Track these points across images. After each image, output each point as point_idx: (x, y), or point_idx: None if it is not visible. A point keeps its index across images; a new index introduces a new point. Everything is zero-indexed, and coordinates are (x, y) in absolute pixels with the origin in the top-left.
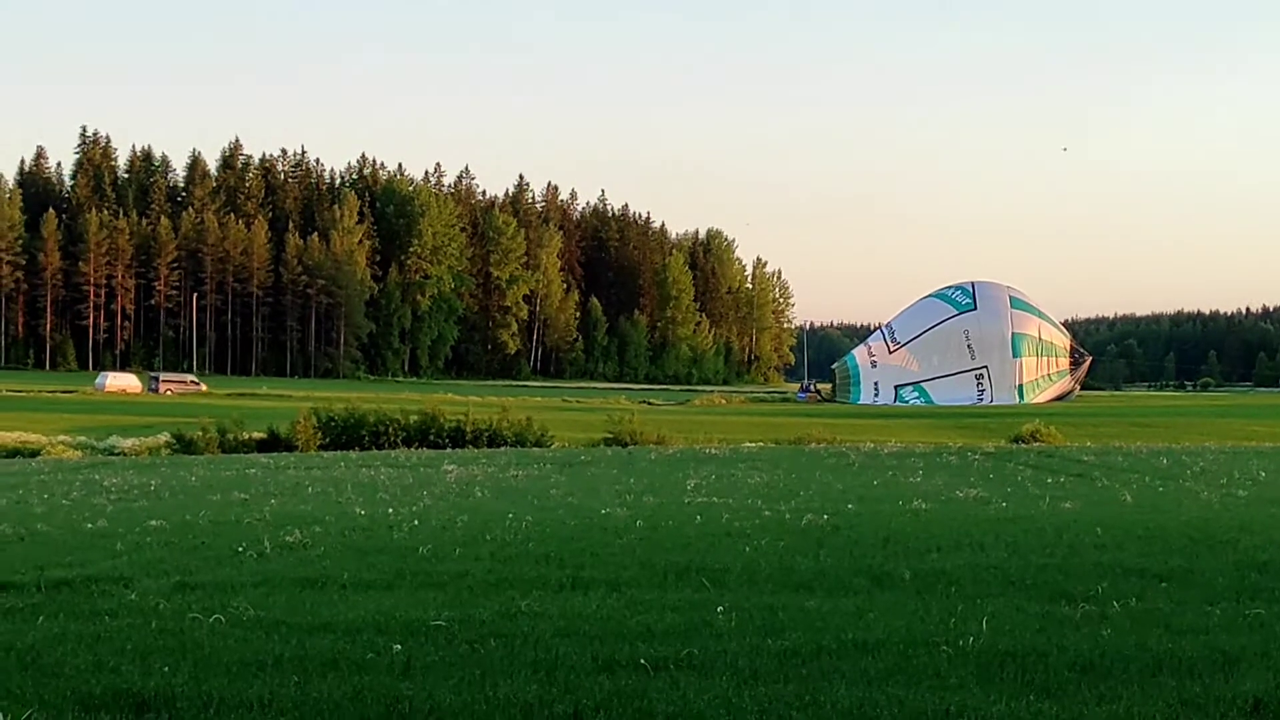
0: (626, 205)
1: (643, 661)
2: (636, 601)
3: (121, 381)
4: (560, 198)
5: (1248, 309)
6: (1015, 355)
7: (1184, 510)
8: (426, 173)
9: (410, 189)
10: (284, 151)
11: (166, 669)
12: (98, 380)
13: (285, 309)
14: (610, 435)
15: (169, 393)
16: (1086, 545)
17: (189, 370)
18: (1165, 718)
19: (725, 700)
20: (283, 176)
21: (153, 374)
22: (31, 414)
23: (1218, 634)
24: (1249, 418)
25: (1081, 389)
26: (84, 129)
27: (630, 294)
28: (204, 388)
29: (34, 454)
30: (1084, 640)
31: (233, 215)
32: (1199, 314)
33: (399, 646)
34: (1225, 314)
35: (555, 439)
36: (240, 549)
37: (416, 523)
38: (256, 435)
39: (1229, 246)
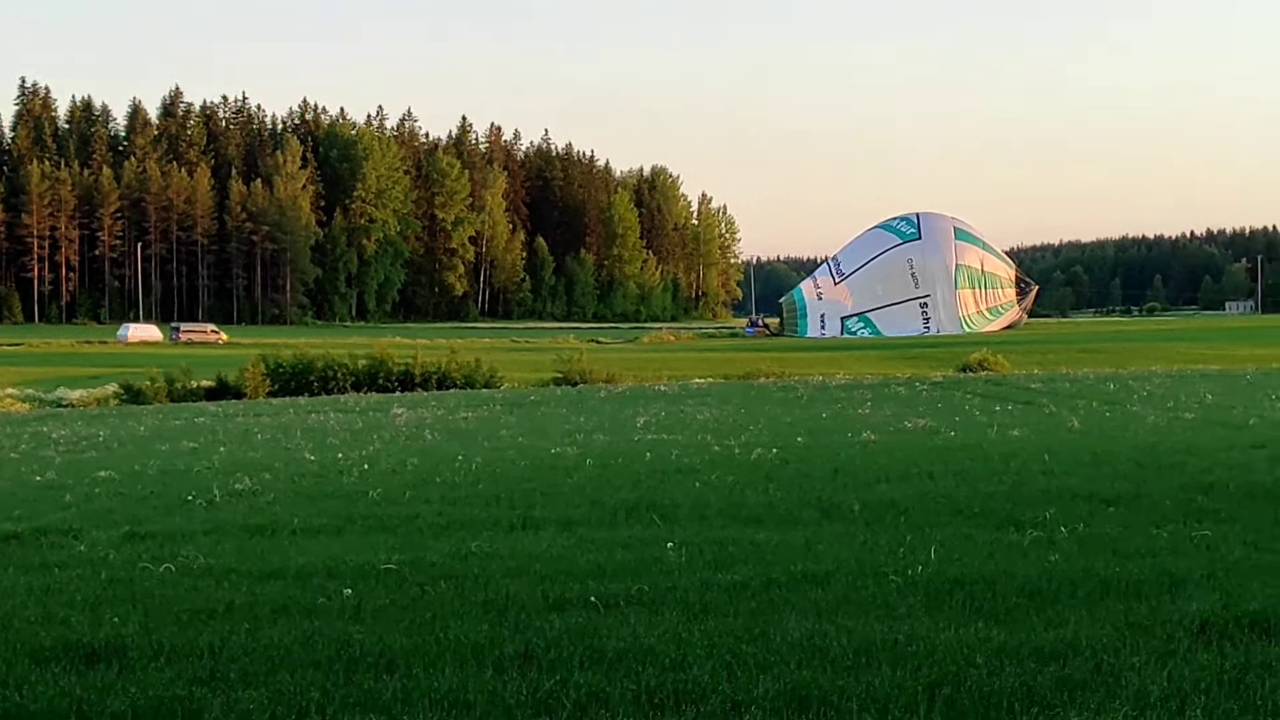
0: (570, 144)
1: (593, 599)
2: (587, 540)
3: (143, 332)
4: (504, 138)
5: (1192, 233)
6: (958, 287)
7: (1131, 435)
8: (369, 116)
9: (353, 133)
10: (225, 99)
11: (116, 619)
12: (120, 331)
13: (230, 256)
14: (559, 375)
15: (189, 341)
16: (1034, 472)
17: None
18: (1112, 640)
19: (675, 635)
20: (224, 124)
21: (173, 325)
22: None
23: (1164, 557)
24: (1195, 341)
25: (1029, 317)
26: (23, 80)
27: (576, 233)
28: (224, 338)
29: None
30: (1032, 566)
31: (175, 164)
32: (1144, 239)
33: (349, 590)
34: (1170, 238)
35: (505, 380)
36: (190, 498)
37: (366, 467)
38: (205, 384)
39: (1173, 170)
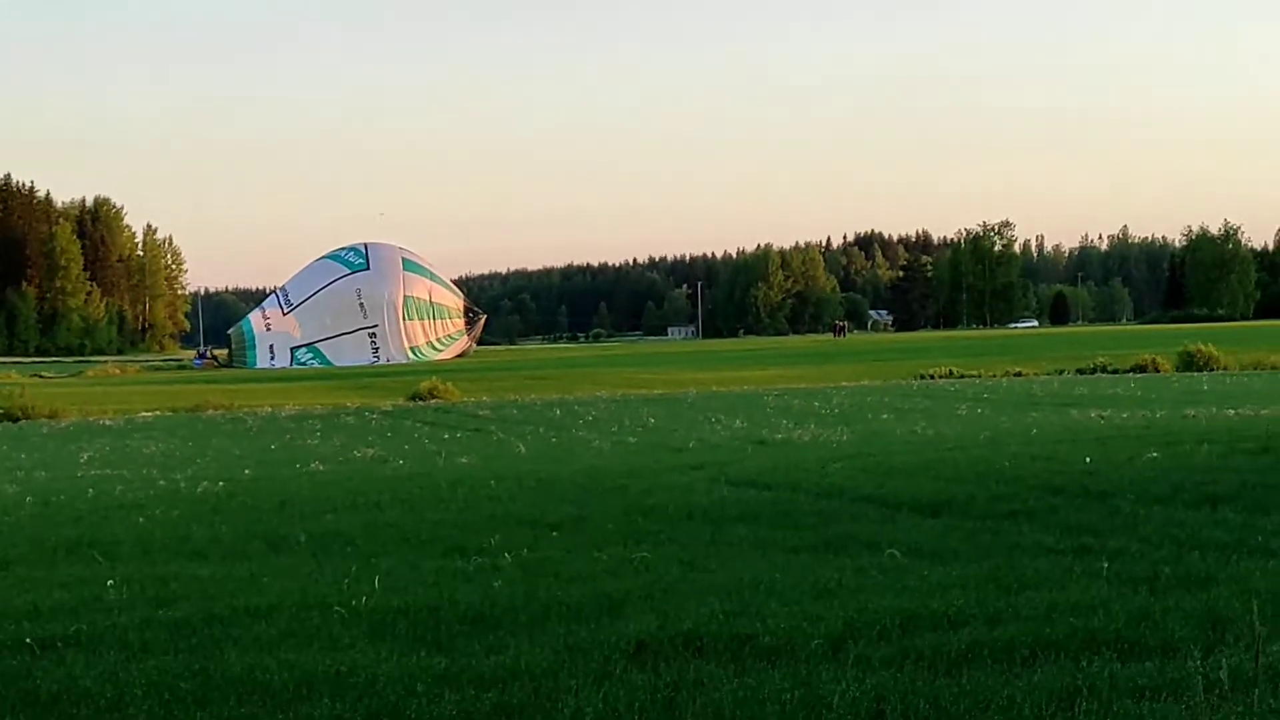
0: (9, 175)
1: (29, 641)
2: (24, 580)
3: None
4: None
5: (635, 260)
6: (407, 318)
7: (576, 459)
8: None
9: None
10: None
11: None
12: None
13: None
14: None
15: None
16: (481, 499)
17: None
18: (551, 664)
19: (113, 675)
20: None
21: None
22: None
23: (604, 579)
24: (639, 366)
25: (479, 345)
26: None
27: (16, 266)
28: None
29: None
30: (475, 593)
31: None
32: (589, 266)
33: None
34: (614, 265)
35: None
36: None
37: None
38: None
39: (615, 198)
